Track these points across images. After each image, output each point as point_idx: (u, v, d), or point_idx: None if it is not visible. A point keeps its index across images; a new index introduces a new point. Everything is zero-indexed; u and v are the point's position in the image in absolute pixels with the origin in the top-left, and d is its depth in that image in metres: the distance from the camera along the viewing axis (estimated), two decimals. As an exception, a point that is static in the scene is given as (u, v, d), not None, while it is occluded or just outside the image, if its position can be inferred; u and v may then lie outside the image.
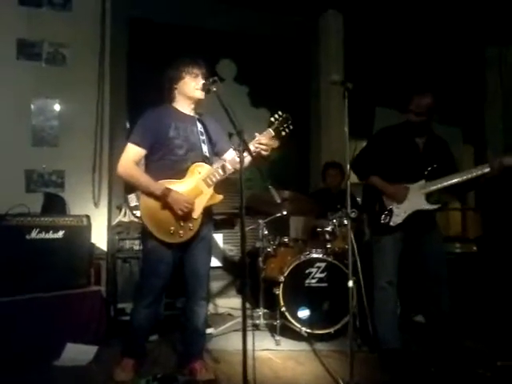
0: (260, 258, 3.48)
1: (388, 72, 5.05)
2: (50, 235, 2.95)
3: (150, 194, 2.35)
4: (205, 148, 2.49)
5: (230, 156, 2.47)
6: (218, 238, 4.32)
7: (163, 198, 2.32)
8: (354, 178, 2.88)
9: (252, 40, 4.67)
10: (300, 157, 4.90)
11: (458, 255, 4.11)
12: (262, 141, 2.34)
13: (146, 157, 2.46)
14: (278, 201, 2.47)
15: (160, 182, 2.35)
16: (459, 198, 5.02)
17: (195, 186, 2.40)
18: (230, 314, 3.92)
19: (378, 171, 2.87)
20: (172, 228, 2.35)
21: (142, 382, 2.32)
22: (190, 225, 2.38)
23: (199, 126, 2.52)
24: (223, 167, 2.40)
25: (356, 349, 2.58)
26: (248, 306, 3.36)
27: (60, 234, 2.98)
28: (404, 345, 2.85)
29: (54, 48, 3.68)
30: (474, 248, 4.22)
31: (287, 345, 3.13)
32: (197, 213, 2.39)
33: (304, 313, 3.23)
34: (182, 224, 2.36)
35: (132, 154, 2.40)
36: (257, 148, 2.33)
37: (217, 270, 4.27)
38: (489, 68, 5.67)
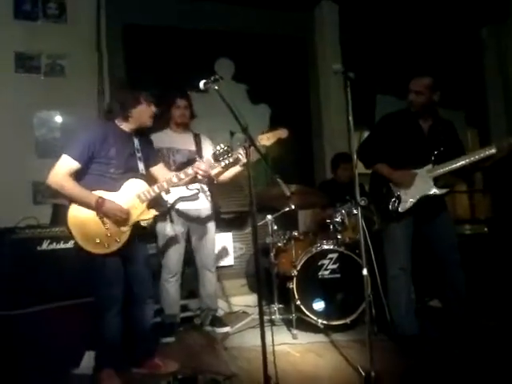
0: (271, 254, 3.48)
1: (387, 59, 5.04)
2: (61, 245, 2.94)
3: (82, 205, 2.34)
4: (141, 166, 2.54)
5: (161, 174, 2.62)
6: (228, 236, 4.34)
7: (97, 208, 2.32)
8: (362, 168, 2.88)
9: (249, 38, 4.65)
10: (302, 149, 4.88)
11: (469, 237, 4.10)
12: (201, 167, 2.49)
13: (81, 169, 2.39)
14: (288, 193, 2.47)
15: (93, 192, 2.36)
16: (466, 181, 4.99)
17: (128, 200, 2.43)
18: (244, 312, 3.92)
19: (383, 158, 2.86)
20: (98, 239, 2.35)
21: (162, 383, 2.34)
22: (117, 238, 2.39)
23: (136, 142, 2.55)
24: (159, 186, 2.48)
25: (373, 337, 2.57)
26: (263, 302, 3.37)
27: (71, 243, 2.98)
28: (421, 330, 2.83)
29: (51, 60, 3.71)
30: (485, 229, 4.21)
31: (304, 338, 3.13)
32: (126, 226, 2.42)
33: (319, 305, 3.23)
34: (108, 235, 2.37)
35: (67, 166, 2.33)
36: (196, 171, 2.49)
37: (228, 269, 4.30)
38: (486, 48, 5.64)
